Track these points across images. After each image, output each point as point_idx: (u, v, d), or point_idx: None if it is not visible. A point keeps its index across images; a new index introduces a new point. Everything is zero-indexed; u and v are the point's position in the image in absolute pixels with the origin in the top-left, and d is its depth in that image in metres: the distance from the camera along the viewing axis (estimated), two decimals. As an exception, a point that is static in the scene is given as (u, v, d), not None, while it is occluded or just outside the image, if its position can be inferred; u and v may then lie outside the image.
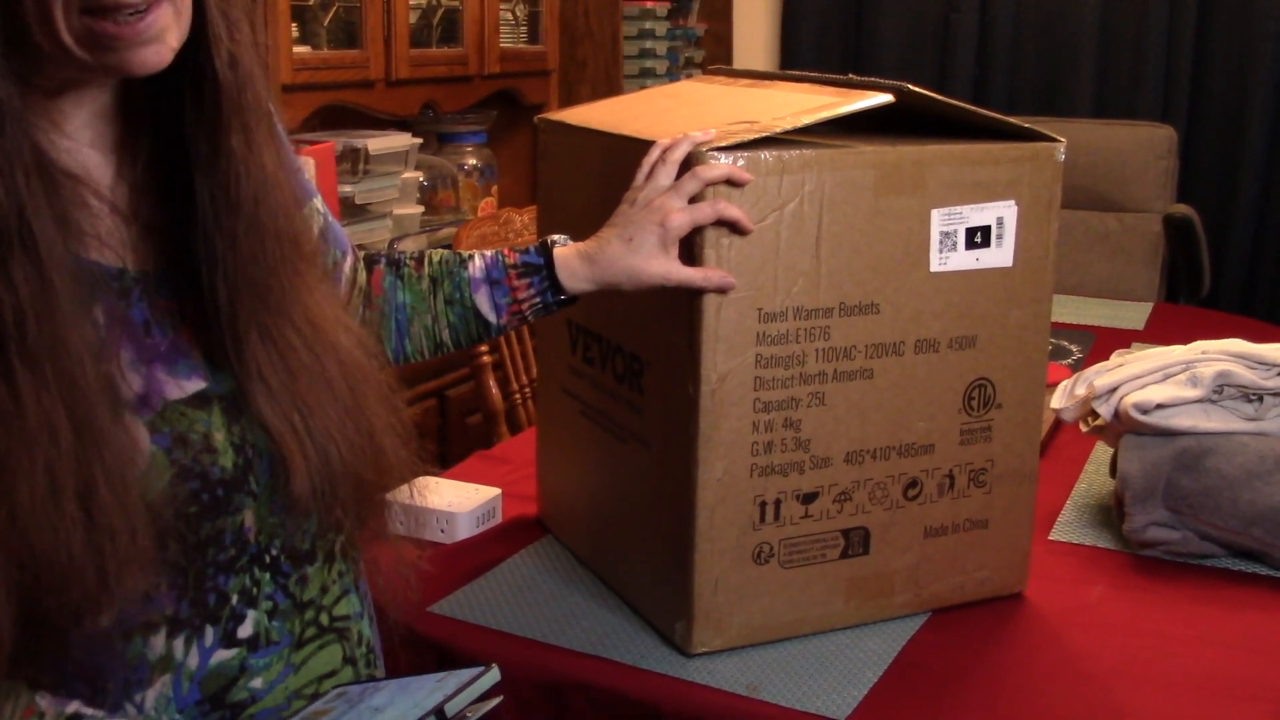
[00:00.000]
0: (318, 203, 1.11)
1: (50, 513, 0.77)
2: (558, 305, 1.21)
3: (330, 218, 1.13)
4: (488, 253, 1.21)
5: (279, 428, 0.91)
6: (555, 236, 1.21)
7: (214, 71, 0.88)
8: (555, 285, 1.19)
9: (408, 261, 1.22)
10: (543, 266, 1.19)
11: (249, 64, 0.90)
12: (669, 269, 1.15)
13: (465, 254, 1.22)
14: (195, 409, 0.89)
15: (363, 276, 1.20)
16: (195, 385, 0.90)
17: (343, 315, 1.00)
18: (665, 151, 1.17)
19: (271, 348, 0.91)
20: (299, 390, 0.92)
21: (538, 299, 1.19)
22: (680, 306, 1.19)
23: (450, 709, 0.80)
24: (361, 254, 1.22)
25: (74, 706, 0.83)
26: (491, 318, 1.20)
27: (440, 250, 1.24)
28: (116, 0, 0.79)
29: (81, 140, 0.88)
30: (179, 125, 0.90)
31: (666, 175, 1.16)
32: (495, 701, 0.86)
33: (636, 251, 1.15)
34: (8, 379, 0.77)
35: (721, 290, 1.16)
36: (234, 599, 0.91)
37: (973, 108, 1.29)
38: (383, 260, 1.23)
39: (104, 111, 0.90)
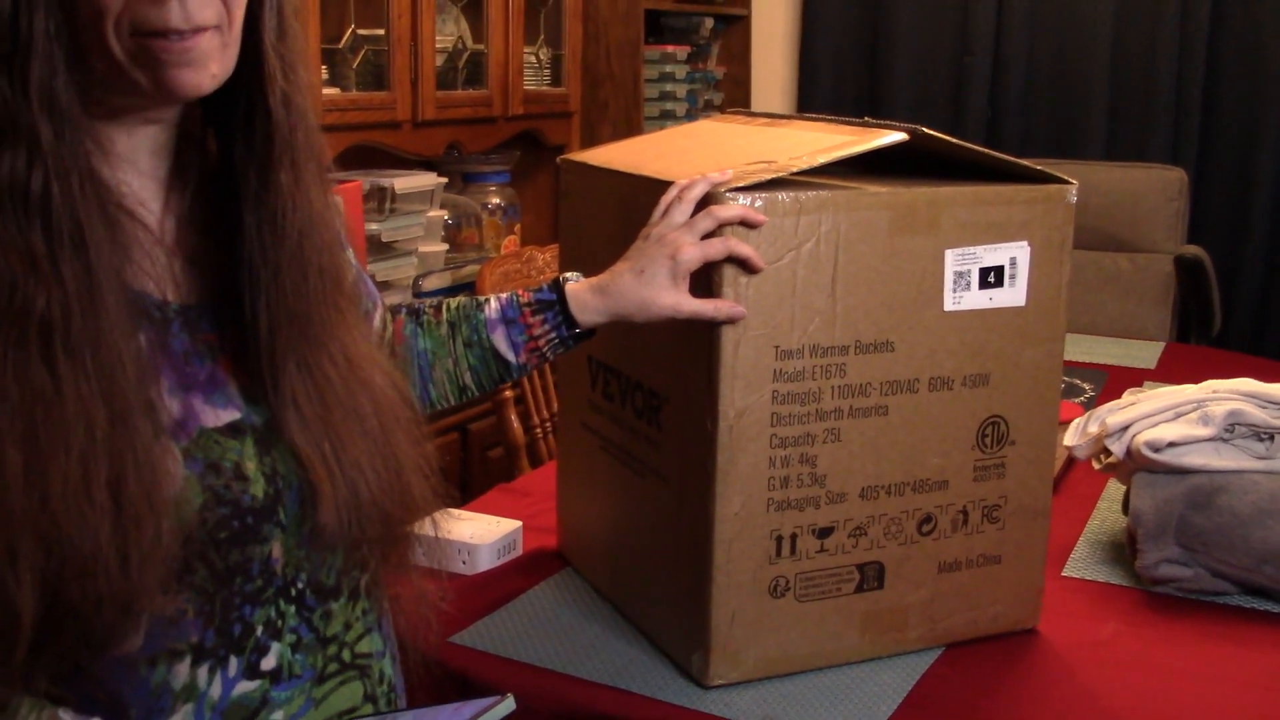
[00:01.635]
0: (350, 255, 1.12)
1: (81, 499, 0.78)
2: (574, 340, 1.21)
3: (361, 270, 1.14)
4: (503, 295, 1.22)
5: (310, 456, 0.91)
6: (568, 274, 1.22)
7: (267, 108, 0.90)
8: (569, 319, 1.19)
9: (427, 310, 1.23)
10: (556, 302, 1.19)
11: (302, 105, 0.92)
12: (679, 301, 1.15)
13: (482, 298, 1.23)
14: (229, 438, 0.89)
15: (389, 328, 1.21)
16: (230, 415, 0.90)
17: (376, 354, 1.01)
18: (682, 190, 1.18)
19: (308, 378, 0.92)
20: (332, 422, 0.93)
21: (553, 334, 1.20)
22: (699, 343, 1.19)
23: None
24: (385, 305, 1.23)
25: None
26: (510, 356, 1.20)
27: (458, 297, 1.25)
28: (164, 22, 0.81)
29: (134, 174, 0.90)
30: (228, 162, 0.92)
31: (681, 213, 1.17)
32: None
33: (648, 284, 1.15)
34: (50, 368, 0.78)
35: (731, 321, 1.16)
36: (259, 630, 0.91)
37: (986, 150, 1.30)
38: (403, 310, 1.24)
39: (159, 148, 0.92)
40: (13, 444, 0.77)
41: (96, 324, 0.80)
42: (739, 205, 1.16)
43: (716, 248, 1.14)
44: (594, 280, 1.20)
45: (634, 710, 1.21)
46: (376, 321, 1.17)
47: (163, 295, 0.90)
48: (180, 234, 0.93)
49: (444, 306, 1.23)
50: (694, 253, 1.14)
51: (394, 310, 1.23)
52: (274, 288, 0.91)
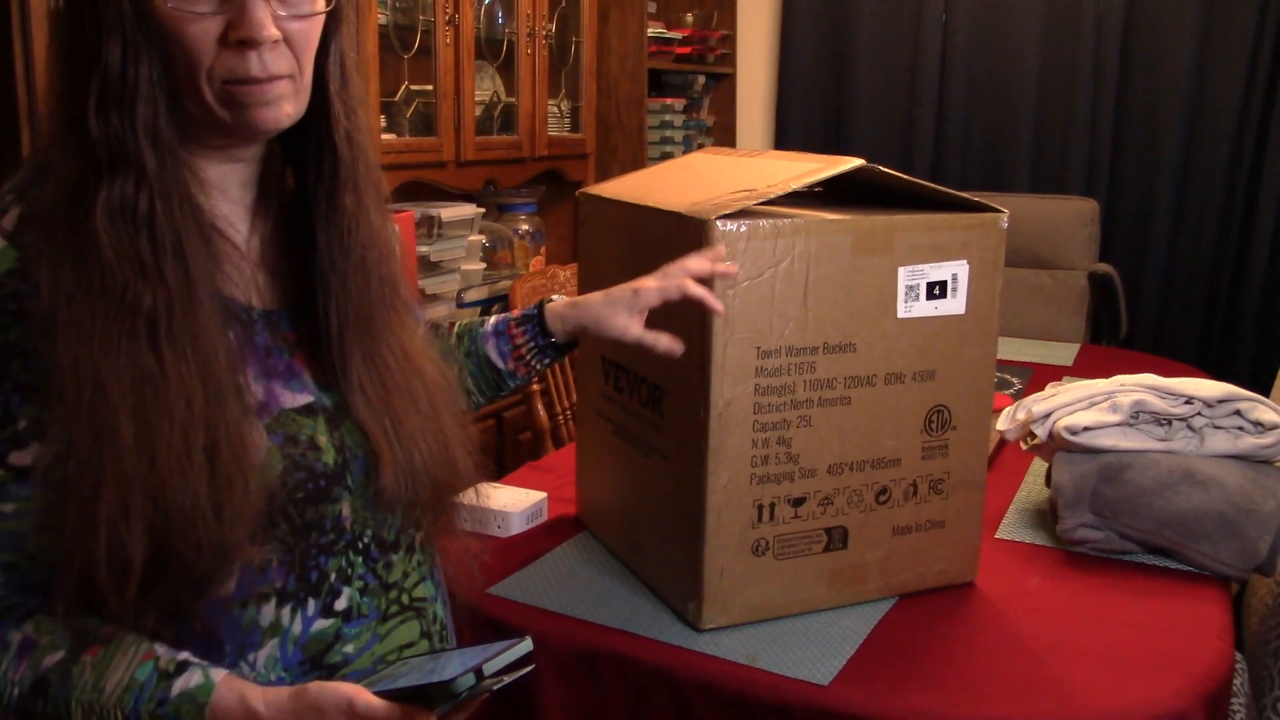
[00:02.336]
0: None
1: (182, 462, 0.78)
2: (552, 350, 1.20)
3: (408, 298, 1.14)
4: (504, 313, 1.22)
5: (374, 430, 0.92)
6: (555, 297, 1.22)
7: (333, 144, 0.90)
8: (544, 330, 1.19)
9: (444, 326, 1.23)
10: (535, 316, 1.19)
11: (362, 142, 0.92)
12: (628, 326, 1.14)
13: (485, 317, 1.22)
14: (304, 416, 0.90)
15: None
16: (305, 399, 0.90)
17: (427, 348, 1.01)
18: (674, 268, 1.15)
19: (371, 366, 0.93)
20: (391, 402, 0.93)
21: (532, 343, 1.19)
22: (694, 346, 1.19)
23: (488, 669, 0.80)
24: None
25: (184, 655, 0.83)
26: (499, 364, 1.20)
27: (470, 318, 1.25)
28: (246, 71, 0.82)
29: (226, 202, 0.90)
30: (303, 190, 0.92)
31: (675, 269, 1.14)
32: (528, 669, 0.86)
33: (609, 307, 1.15)
34: (156, 353, 0.79)
35: (670, 355, 1.14)
36: (332, 577, 0.91)
37: (931, 184, 1.29)
38: (426, 326, 1.24)
39: (246, 180, 0.92)
40: (126, 417, 0.77)
41: (194, 319, 0.81)
42: (709, 264, 1.13)
43: (672, 290, 1.12)
44: (571, 298, 1.19)
45: (640, 650, 1.20)
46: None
47: (248, 301, 0.90)
48: (263, 251, 0.93)
49: (455, 324, 1.23)
50: (652, 289, 1.13)
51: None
52: (342, 292, 0.91)
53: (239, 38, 0.80)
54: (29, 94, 1.81)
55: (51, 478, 0.79)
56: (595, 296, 1.17)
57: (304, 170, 0.92)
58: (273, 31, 0.81)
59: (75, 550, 0.78)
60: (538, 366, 1.21)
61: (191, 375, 0.80)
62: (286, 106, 0.85)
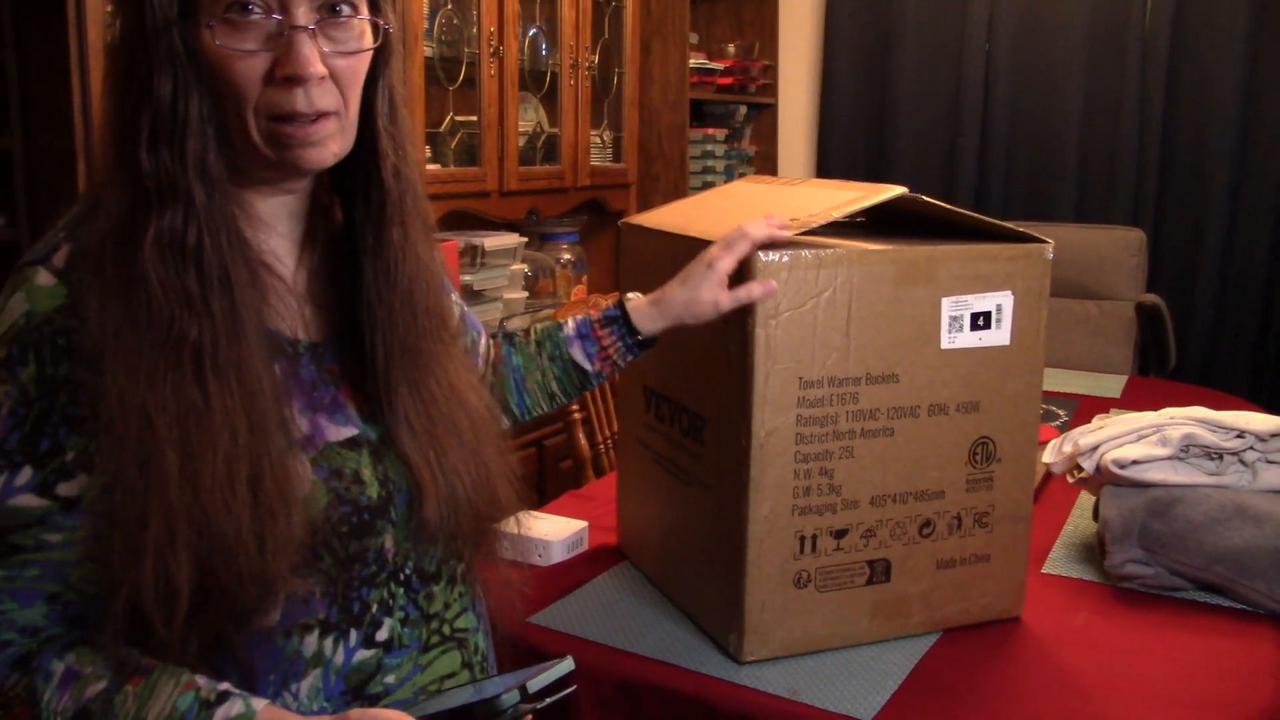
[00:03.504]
0: (455, 296, 1.13)
1: (226, 493, 0.79)
2: (638, 346, 1.20)
3: (465, 308, 1.15)
4: (578, 316, 1.23)
5: (418, 462, 0.92)
6: (629, 294, 1.22)
7: (381, 180, 0.91)
8: (631, 328, 1.19)
9: (519, 334, 1.24)
10: (619, 316, 1.20)
11: (410, 176, 0.93)
12: (718, 296, 1.15)
13: (561, 321, 1.23)
14: (348, 450, 0.90)
15: (492, 351, 1.22)
16: (349, 432, 0.91)
17: (473, 379, 1.02)
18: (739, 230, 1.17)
19: (416, 398, 0.93)
20: (435, 434, 0.93)
21: (619, 343, 1.20)
22: (735, 374, 1.19)
23: (531, 686, 0.81)
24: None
25: (224, 685, 0.83)
26: (586, 365, 1.21)
27: (543, 323, 1.26)
28: (292, 106, 0.82)
29: (274, 235, 0.91)
30: (350, 223, 0.93)
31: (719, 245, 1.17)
32: (570, 689, 0.86)
33: (691, 288, 1.16)
34: (201, 385, 0.80)
35: (766, 296, 1.14)
36: (374, 608, 0.92)
37: (975, 214, 1.29)
38: (500, 334, 1.25)
39: (294, 214, 0.93)
40: (171, 448, 0.78)
41: (239, 351, 0.81)
42: (765, 228, 1.15)
43: (741, 246, 1.14)
44: (649, 295, 1.20)
45: (680, 681, 1.20)
46: (482, 347, 1.18)
47: (294, 334, 0.91)
48: (310, 284, 0.94)
49: (531, 330, 1.24)
50: (725, 256, 1.14)
51: (492, 335, 1.24)
52: (388, 324, 0.91)
53: (285, 74, 0.81)
54: (85, 128, 1.86)
55: (97, 508, 0.80)
56: (673, 289, 1.17)
57: (351, 203, 0.93)
58: (319, 68, 0.82)
59: (123, 579, 0.78)
60: (621, 364, 1.22)
61: (235, 407, 0.80)
62: (332, 145, 0.86)
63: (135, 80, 0.81)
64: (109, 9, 0.85)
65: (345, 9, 0.84)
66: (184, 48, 0.80)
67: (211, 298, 0.81)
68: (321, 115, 0.84)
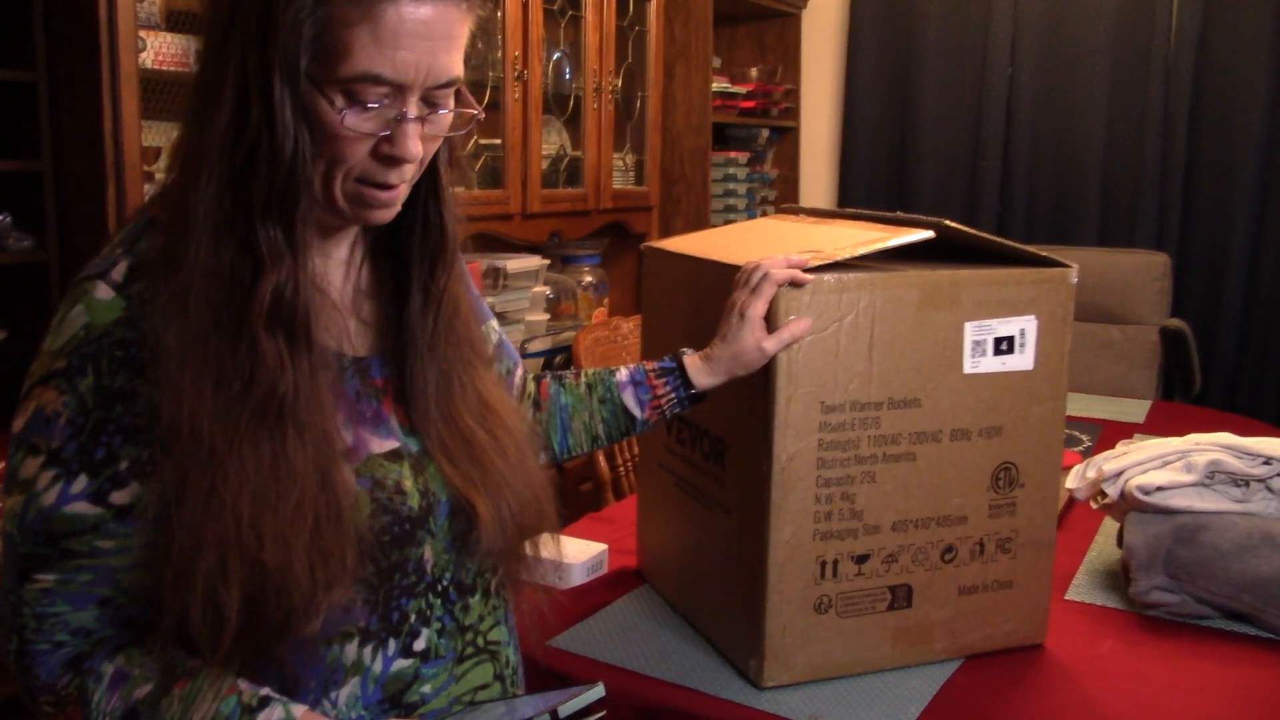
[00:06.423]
0: (494, 323, 1.14)
1: (289, 537, 0.81)
2: (690, 400, 1.21)
3: (503, 336, 1.16)
4: (631, 365, 1.24)
5: (457, 481, 0.94)
6: (684, 349, 1.23)
7: (441, 221, 0.95)
8: (687, 382, 1.20)
9: (568, 376, 1.26)
10: (676, 369, 1.21)
11: (458, 213, 0.97)
12: (761, 345, 1.16)
13: (614, 368, 1.25)
14: (390, 462, 0.92)
15: (532, 386, 1.24)
16: (391, 444, 0.93)
17: (511, 401, 1.04)
18: (757, 266, 1.19)
19: (452, 423, 0.95)
20: (474, 454, 0.95)
21: (673, 394, 1.21)
22: (757, 399, 1.19)
23: (562, 711, 0.82)
24: (532, 374, 1.25)
25: (265, 690, 0.85)
26: (636, 412, 1.21)
27: (594, 368, 1.27)
28: (386, 179, 0.86)
29: (328, 260, 0.94)
30: (396, 247, 0.95)
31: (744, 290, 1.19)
32: (600, 715, 0.86)
33: (733, 343, 1.17)
34: (281, 437, 0.82)
35: (806, 333, 1.17)
36: (412, 618, 0.93)
37: (998, 239, 1.29)
38: (548, 375, 1.26)
39: (347, 242, 0.96)
40: (245, 498, 0.80)
41: (317, 402, 0.84)
42: (788, 270, 1.16)
43: (768, 290, 1.16)
44: (700, 353, 1.21)
45: (700, 706, 1.19)
46: (518, 379, 1.19)
47: (340, 348, 0.93)
48: (355, 300, 0.96)
49: (582, 373, 1.26)
50: (755, 303, 1.16)
51: (539, 377, 1.26)
52: (429, 353, 0.94)
53: (389, 154, 0.84)
54: (116, 152, 1.89)
55: (149, 517, 0.82)
56: (717, 347, 1.19)
57: (407, 234, 0.95)
58: (419, 151, 0.85)
59: (172, 601, 0.80)
60: (668, 415, 1.23)
61: (308, 460, 0.82)
62: (399, 205, 0.89)
63: (248, 131, 0.81)
64: (198, 47, 0.87)
65: (444, 111, 0.87)
66: (304, 116, 0.81)
67: (299, 356, 0.83)
68: (402, 183, 0.88)
